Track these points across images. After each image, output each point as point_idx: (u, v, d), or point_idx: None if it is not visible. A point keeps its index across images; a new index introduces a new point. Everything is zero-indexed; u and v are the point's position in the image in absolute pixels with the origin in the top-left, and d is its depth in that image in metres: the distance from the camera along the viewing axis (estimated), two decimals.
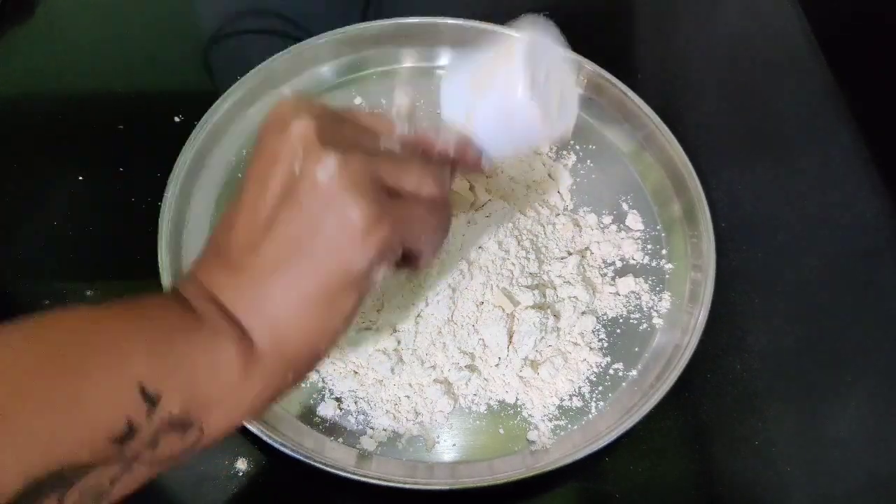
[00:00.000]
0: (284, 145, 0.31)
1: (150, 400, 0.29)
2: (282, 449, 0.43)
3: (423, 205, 0.34)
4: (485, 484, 0.43)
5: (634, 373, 0.49)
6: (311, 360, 0.34)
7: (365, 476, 0.43)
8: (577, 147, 0.58)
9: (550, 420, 0.47)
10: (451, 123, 0.37)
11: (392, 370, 0.47)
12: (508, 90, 0.35)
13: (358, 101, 0.59)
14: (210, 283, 0.33)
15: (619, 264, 0.53)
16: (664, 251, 0.54)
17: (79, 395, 0.28)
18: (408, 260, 0.35)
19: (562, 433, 0.47)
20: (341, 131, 0.32)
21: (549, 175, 0.56)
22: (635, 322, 0.51)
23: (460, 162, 0.36)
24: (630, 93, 0.58)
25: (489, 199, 0.53)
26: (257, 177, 0.32)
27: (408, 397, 0.47)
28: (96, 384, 0.28)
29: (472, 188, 0.53)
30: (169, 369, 0.30)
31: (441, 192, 0.34)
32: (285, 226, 0.31)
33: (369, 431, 0.46)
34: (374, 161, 0.31)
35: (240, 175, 0.55)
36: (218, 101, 0.55)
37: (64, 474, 0.27)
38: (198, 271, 0.34)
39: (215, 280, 0.33)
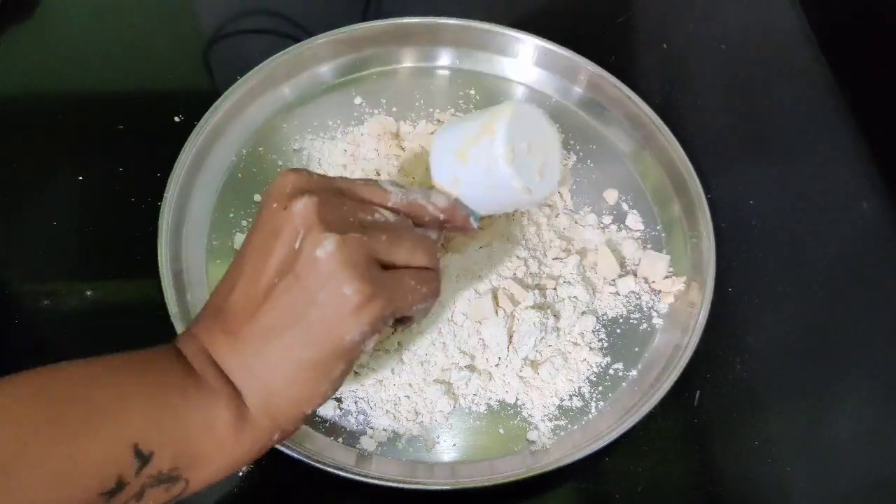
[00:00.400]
0: (287, 222, 0.33)
1: (143, 458, 0.31)
2: (282, 449, 0.43)
3: (414, 275, 0.36)
4: (485, 484, 0.43)
5: (634, 373, 0.49)
6: (297, 421, 0.36)
7: (365, 476, 0.43)
8: (577, 147, 0.58)
9: (550, 420, 0.47)
10: (440, 187, 0.40)
11: (392, 370, 0.47)
12: (490, 162, 0.37)
13: (358, 101, 0.59)
14: (209, 344, 0.35)
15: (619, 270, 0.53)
16: (664, 251, 0.54)
17: (76, 453, 0.30)
18: (400, 321, 0.38)
19: (562, 433, 0.47)
20: (340, 207, 0.34)
21: None
22: (635, 322, 0.51)
23: (450, 222, 0.39)
24: (630, 93, 0.58)
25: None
26: (259, 247, 0.34)
27: (408, 397, 0.47)
28: (94, 443, 0.30)
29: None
30: (165, 428, 0.32)
31: (431, 260, 0.37)
32: (283, 296, 0.33)
33: (369, 431, 0.46)
34: (369, 240, 0.34)
35: (240, 175, 0.55)
36: (218, 101, 0.55)
37: None
38: (198, 330, 0.36)
39: (214, 341, 0.35)
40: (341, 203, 0.35)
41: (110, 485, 0.30)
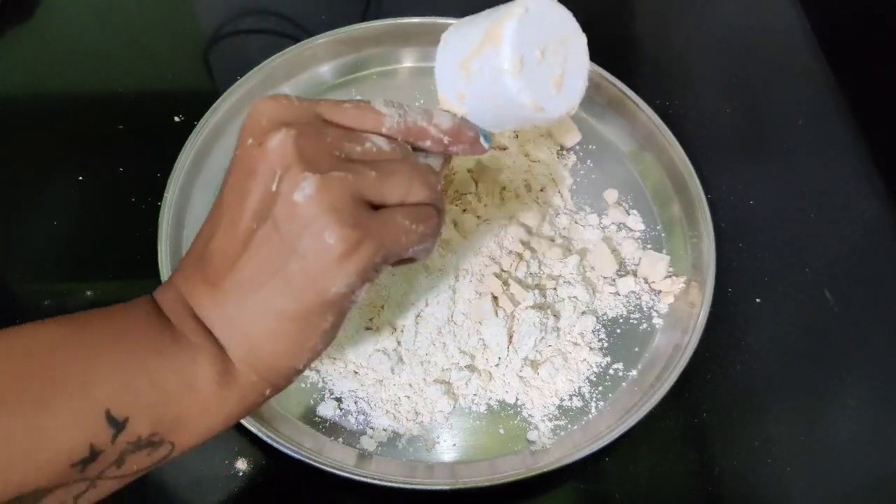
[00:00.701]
0: (262, 161, 0.30)
1: (116, 424, 0.29)
2: (282, 449, 0.43)
3: (410, 213, 0.32)
4: (485, 484, 0.43)
5: (634, 373, 0.49)
6: (289, 376, 0.33)
7: (365, 476, 0.43)
8: (577, 147, 0.58)
9: (550, 420, 0.47)
10: (445, 103, 0.35)
11: (392, 370, 0.47)
12: (495, 76, 0.32)
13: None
14: (189, 295, 0.32)
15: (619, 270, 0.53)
16: (664, 251, 0.54)
17: (39, 427, 0.28)
18: (399, 262, 0.34)
19: (562, 433, 0.47)
20: (322, 140, 0.30)
21: (550, 175, 0.56)
22: (635, 322, 0.51)
23: (457, 145, 0.35)
24: (630, 93, 0.58)
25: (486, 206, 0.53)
26: (235, 189, 0.31)
27: (408, 397, 0.47)
28: (57, 414, 0.28)
29: (476, 193, 0.53)
30: (140, 391, 0.30)
31: (429, 195, 0.33)
32: (262, 245, 0.30)
33: (369, 431, 0.46)
34: (355, 178, 0.30)
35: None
36: (218, 101, 0.55)
37: (23, 499, 0.28)
38: (178, 280, 0.33)
39: (194, 293, 0.32)
40: (324, 135, 0.31)
41: (82, 454, 0.28)
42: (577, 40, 0.34)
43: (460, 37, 0.34)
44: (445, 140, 0.34)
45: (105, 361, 0.30)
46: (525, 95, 0.32)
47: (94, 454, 0.29)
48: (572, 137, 0.58)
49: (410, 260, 0.34)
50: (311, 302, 0.30)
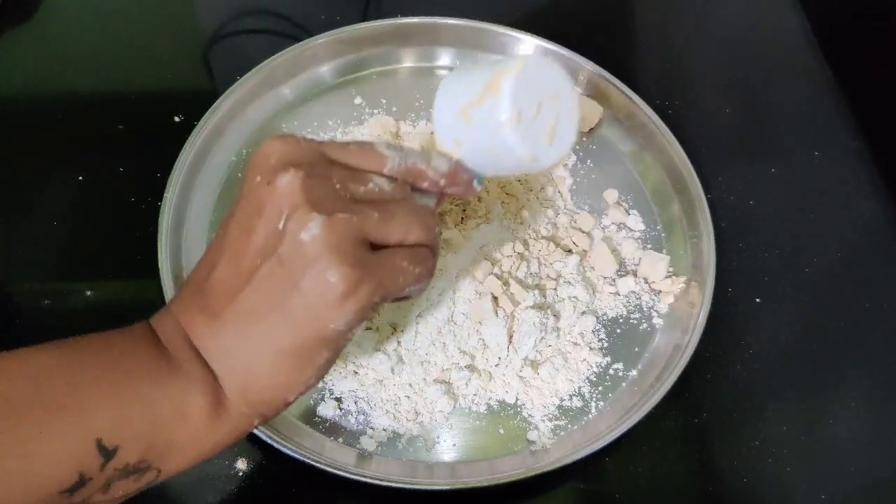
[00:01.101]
0: (270, 200, 0.31)
1: (107, 453, 0.29)
2: (282, 449, 0.43)
3: (408, 254, 0.33)
4: (485, 484, 0.43)
5: (634, 373, 0.49)
6: (279, 408, 0.34)
7: (365, 476, 0.43)
8: (577, 147, 0.58)
9: (550, 420, 0.47)
10: (442, 147, 0.36)
11: (392, 370, 0.47)
12: (493, 126, 0.34)
13: (358, 101, 0.59)
14: (187, 324, 0.33)
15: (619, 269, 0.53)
16: (664, 251, 0.54)
17: (29, 452, 0.28)
18: (396, 299, 0.36)
19: (562, 433, 0.47)
20: (328, 181, 0.32)
21: (549, 175, 0.56)
22: (635, 322, 0.51)
23: (452, 187, 0.36)
24: (630, 93, 0.58)
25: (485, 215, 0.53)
26: (242, 224, 0.32)
27: (408, 397, 0.47)
28: (49, 441, 0.29)
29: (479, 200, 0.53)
30: (132, 420, 0.30)
31: (427, 236, 0.34)
32: (265, 280, 0.31)
33: (369, 431, 0.46)
34: (358, 220, 0.31)
35: (240, 175, 0.55)
36: (218, 101, 0.55)
37: None
38: (177, 309, 0.34)
39: (192, 322, 0.33)
40: (330, 176, 0.32)
41: (71, 482, 0.29)
42: (570, 96, 0.36)
43: (460, 85, 0.36)
44: (442, 182, 0.35)
45: (99, 390, 0.30)
46: (521, 147, 0.34)
47: (82, 481, 0.29)
48: (591, 119, 0.58)
49: (405, 297, 0.36)
50: (309, 337, 0.31)
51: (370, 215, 0.32)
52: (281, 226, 0.30)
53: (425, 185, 0.35)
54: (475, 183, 0.37)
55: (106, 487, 0.30)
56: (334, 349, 0.33)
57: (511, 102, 0.33)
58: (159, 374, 0.31)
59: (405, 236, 0.33)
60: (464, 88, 0.35)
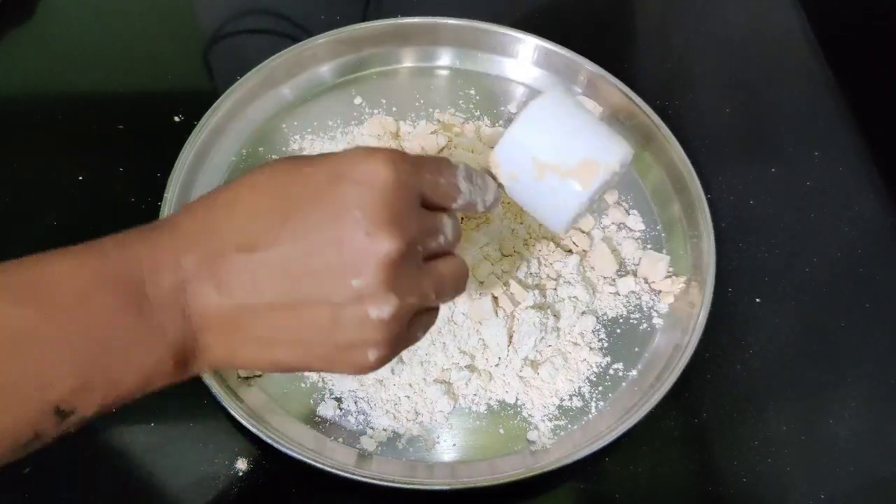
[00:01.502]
0: (359, 254, 0.29)
1: (63, 415, 0.29)
2: (282, 449, 0.43)
3: (431, 320, 0.35)
4: (485, 484, 0.43)
5: (634, 373, 0.49)
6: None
7: (365, 476, 0.43)
8: None
9: (550, 420, 0.47)
10: (494, 167, 0.37)
11: (392, 370, 0.47)
12: (564, 202, 0.36)
13: (358, 101, 0.59)
14: (194, 294, 0.30)
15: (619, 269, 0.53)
16: (664, 251, 0.54)
17: None
18: None
19: (562, 433, 0.47)
20: (416, 260, 0.32)
21: None
22: (635, 322, 0.51)
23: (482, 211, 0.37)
24: (630, 93, 0.58)
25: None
26: (314, 235, 0.29)
27: (408, 397, 0.47)
28: (7, 412, 0.28)
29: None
30: (93, 387, 0.29)
31: (457, 296, 0.36)
32: (306, 311, 0.30)
33: (369, 431, 0.46)
34: (418, 302, 0.32)
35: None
36: (218, 101, 0.55)
37: None
38: (189, 265, 0.30)
39: (202, 295, 0.30)
40: (416, 246, 0.31)
41: (26, 438, 0.28)
42: (608, 188, 0.40)
43: (550, 134, 0.36)
44: (481, 210, 0.37)
45: (66, 363, 0.28)
46: (571, 222, 0.38)
47: (37, 437, 0.28)
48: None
49: None
50: (316, 369, 0.32)
51: (428, 295, 0.32)
52: (356, 285, 0.29)
53: (463, 209, 0.35)
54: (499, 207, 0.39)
55: (60, 435, 0.29)
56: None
57: (592, 196, 0.36)
58: (133, 342, 0.29)
59: (443, 298, 0.34)
60: (551, 141, 0.36)
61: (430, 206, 0.33)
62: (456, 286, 0.35)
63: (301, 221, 0.30)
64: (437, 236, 0.33)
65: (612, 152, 0.36)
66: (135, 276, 0.29)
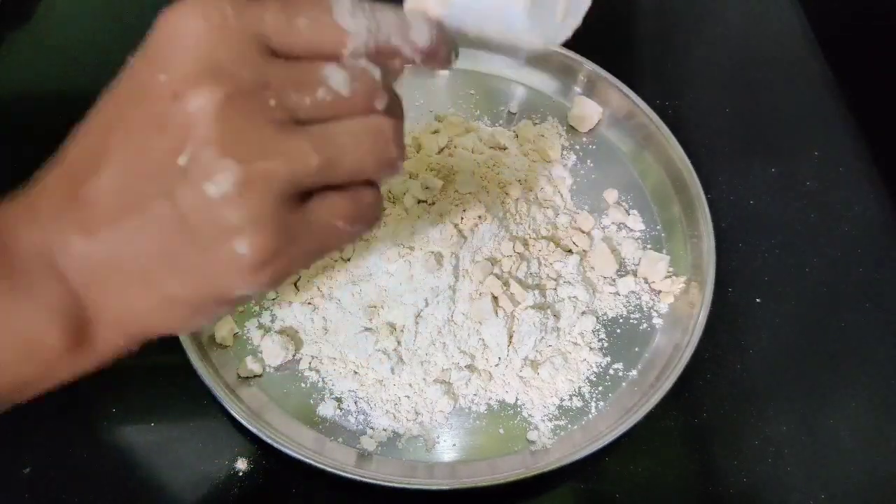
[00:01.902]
0: (174, 120, 0.23)
1: None
2: (282, 449, 0.43)
3: (348, 207, 0.26)
4: (485, 484, 0.43)
5: (634, 373, 0.49)
6: (159, 335, 0.28)
7: (365, 476, 0.43)
8: (577, 147, 0.58)
9: (550, 420, 0.47)
10: (421, 5, 0.29)
11: (392, 370, 0.47)
12: (505, 5, 0.29)
13: None
14: (56, 241, 0.26)
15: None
16: (664, 251, 0.54)
17: None
18: None
19: (562, 433, 0.47)
20: (259, 105, 0.24)
21: (549, 175, 0.56)
22: (635, 322, 0.51)
23: (428, 64, 0.28)
24: (630, 93, 0.58)
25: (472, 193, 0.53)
26: (133, 132, 0.25)
27: (408, 397, 0.47)
28: None
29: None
30: None
31: (381, 170, 0.27)
32: (154, 222, 0.24)
33: (369, 431, 0.46)
34: (288, 169, 0.24)
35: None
36: None
37: None
38: (44, 217, 0.27)
39: (65, 240, 0.26)
40: (265, 95, 0.24)
41: None
42: None
43: None
44: (417, 59, 0.28)
45: None
46: (532, 33, 0.30)
47: None
48: (591, 119, 0.58)
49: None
50: (206, 296, 0.26)
51: (307, 160, 0.24)
52: (183, 163, 0.23)
53: (395, 63, 0.27)
54: (452, 55, 0.30)
55: None
56: (236, 306, 0.28)
57: None
58: (5, 310, 0.26)
59: (353, 178, 0.26)
60: None
61: (303, 56, 0.25)
62: (367, 150, 0.26)
63: (121, 120, 0.25)
64: (311, 89, 0.25)
65: None
66: None
